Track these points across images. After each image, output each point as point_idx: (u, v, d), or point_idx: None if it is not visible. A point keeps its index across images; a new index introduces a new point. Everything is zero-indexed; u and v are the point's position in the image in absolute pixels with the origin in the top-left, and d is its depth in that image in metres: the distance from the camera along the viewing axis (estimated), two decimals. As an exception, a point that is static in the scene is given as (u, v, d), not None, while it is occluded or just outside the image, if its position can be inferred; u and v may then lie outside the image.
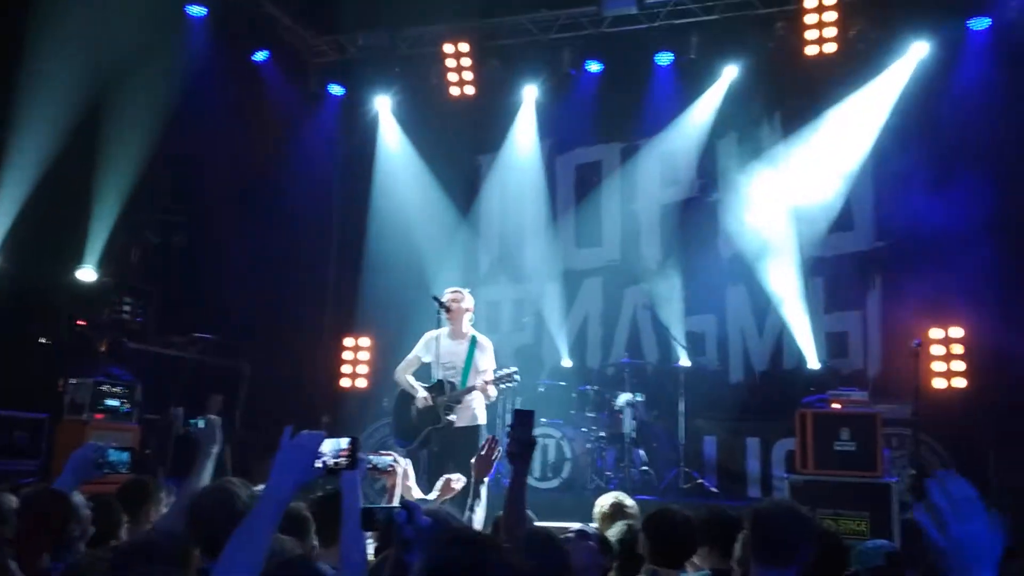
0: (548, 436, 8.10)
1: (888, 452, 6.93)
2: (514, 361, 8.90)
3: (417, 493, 4.34)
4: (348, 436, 2.36)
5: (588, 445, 8.16)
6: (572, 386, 8.74)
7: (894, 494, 6.43)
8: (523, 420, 3.15)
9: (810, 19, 8.54)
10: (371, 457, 3.91)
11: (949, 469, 2.01)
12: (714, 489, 8.08)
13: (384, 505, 3.40)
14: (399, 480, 3.88)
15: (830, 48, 8.56)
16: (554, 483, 7.96)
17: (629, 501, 4.28)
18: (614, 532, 3.68)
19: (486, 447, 3.61)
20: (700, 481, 8.09)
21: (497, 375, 6.30)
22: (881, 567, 3.36)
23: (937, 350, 8.01)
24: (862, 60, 8.64)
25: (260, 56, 9.90)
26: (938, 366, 8.00)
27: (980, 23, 8.34)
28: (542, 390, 8.74)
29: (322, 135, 10.08)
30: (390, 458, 3.91)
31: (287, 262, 9.17)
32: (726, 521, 4.05)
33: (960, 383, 7.95)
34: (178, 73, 8.32)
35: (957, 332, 8.01)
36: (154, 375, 7.67)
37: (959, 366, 7.97)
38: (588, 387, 8.57)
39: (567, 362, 9.50)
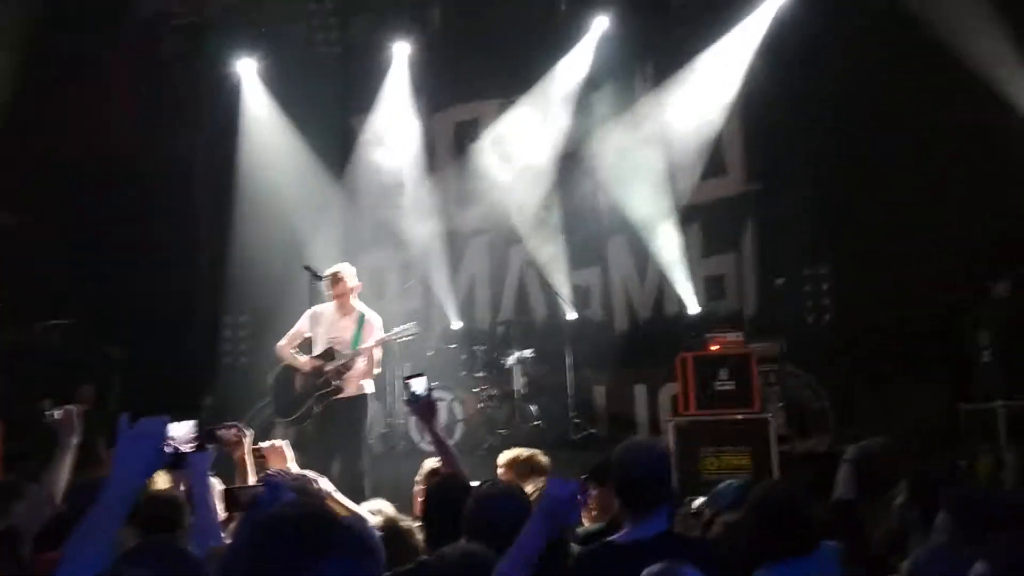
0: (438, 400, 8.02)
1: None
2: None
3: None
4: (190, 419, 2.30)
5: (479, 405, 8.16)
6: (462, 348, 8.70)
7: (772, 428, 6.73)
8: (411, 383, 3.62)
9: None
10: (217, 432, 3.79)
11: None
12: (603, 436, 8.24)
13: (245, 485, 3.31)
14: (247, 450, 3.76)
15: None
16: (447, 446, 7.92)
17: (543, 458, 4.37)
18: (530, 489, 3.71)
19: None
20: (591, 431, 8.22)
21: (395, 330, 6.39)
22: (739, 497, 3.46)
23: (806, 287, 8.36)
24: (728, 4, 8.76)
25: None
26: (808, 302, 8.35)
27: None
28: (431, 354, 8.65)
29: (182, 102, 9.51)
30: (232, 430, 3.78)
31: (150, 240, 8.65)
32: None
33: (828, 318, 8.33)
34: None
35: (824, 269, 8.37)
36: (10, 367, 7.21)
37: (827, 301, 8.35)
38: (477, 348, 8.55)
39: (456, 324, 9.43)
